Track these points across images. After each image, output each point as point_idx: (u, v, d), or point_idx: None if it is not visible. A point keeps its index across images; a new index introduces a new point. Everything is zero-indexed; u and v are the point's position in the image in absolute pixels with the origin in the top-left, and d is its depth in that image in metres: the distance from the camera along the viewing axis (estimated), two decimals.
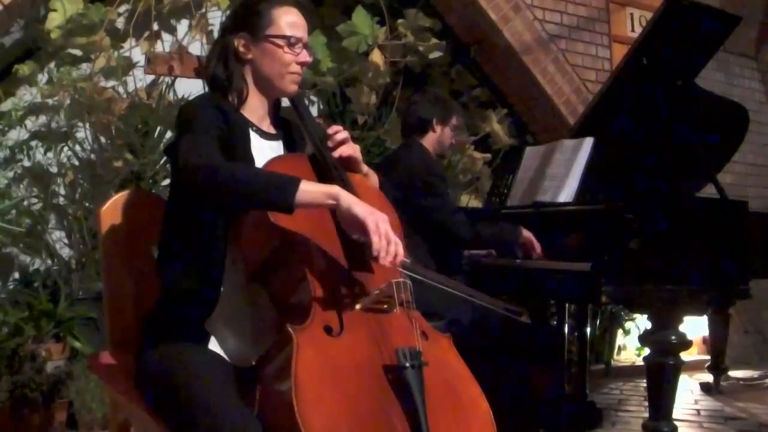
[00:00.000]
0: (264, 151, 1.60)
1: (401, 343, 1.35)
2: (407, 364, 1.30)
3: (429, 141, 2.94)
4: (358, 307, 1.38)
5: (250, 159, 1.55)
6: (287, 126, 1.74)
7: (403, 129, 3.04)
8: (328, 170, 1.55)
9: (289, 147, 1.69)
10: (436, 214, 2.74)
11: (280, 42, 1.60)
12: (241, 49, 1.61)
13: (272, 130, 1.68)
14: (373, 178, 1.72)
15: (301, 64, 1.63)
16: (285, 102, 1.73)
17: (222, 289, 1.49)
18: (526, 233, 2.67)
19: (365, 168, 1.69)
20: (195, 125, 1.49)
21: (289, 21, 1.61)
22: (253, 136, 1.60)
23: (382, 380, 1.30)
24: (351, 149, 1.62)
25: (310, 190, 1.35)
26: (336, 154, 1.59)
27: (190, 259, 1.51)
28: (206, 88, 1.70)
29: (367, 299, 1.39)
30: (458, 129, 3.21)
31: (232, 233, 1.49)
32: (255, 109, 1.64)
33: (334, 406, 1.23)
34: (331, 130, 1.62)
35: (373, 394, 1.28)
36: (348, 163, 1.62)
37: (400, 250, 1.36)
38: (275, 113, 1.71)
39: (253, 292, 1.50)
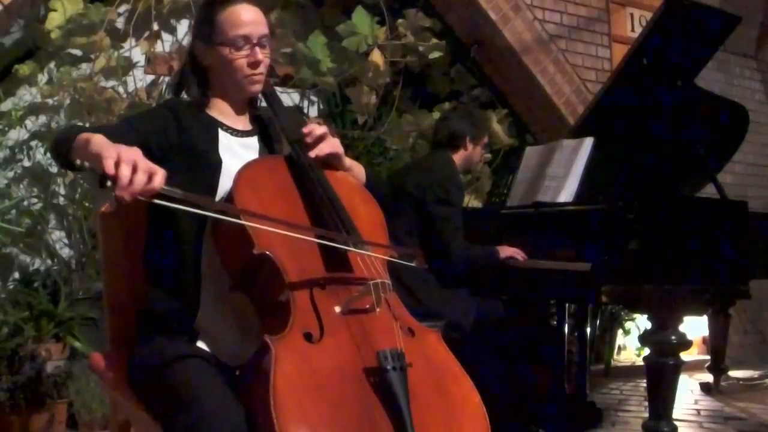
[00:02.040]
0: (234, 148, 1.58)
1: (383, 344, 1.31)
2: (389, 367, 1.26)
3: (458, 157, 2.96)
4: (337, 310, 1.36)
5: (217, 158, 1.53)
6: (264, 120, 1.70)
7: (434, 143, 3.06)
8: (303, 169, 1.53)
9: (266, 142, 1.66)
10: (440, 223, 2.74)
11: (225, 50, 1.55)
12: (198, 55, 1.60)
13: (248, 126, 1.65)
14: (359, 172, 1.69)
15: (253, 64, 1.55)
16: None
17: (202, 293, 1.49)
18: (504, 252, 2.71)
19: (348, 162, 1.66)
20: (127, 118, 1.56)
21: (232, 22, 1.54)
22: (222, 135, 1.58)
23: (365, 384, 1.27)
24: (329, 146, 1.58)
25: (90, 141, 1.31)
26: (313, 153, 1.56)
27: (166, 261, 1.51)
28: None
29: (346, 302, 1.37)
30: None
31: (212, 241, 1.48)
32: (223, 109, 1.62)
33: (316, 416, 1.20)
34: (306, 129, 1.58)
35: (357, 400, 1.25)
36: (328, 159, 1.59)
37: (158, 179, 1.21)
38: (253, 109, 1.69)
39: (236, 299, 1.48)
